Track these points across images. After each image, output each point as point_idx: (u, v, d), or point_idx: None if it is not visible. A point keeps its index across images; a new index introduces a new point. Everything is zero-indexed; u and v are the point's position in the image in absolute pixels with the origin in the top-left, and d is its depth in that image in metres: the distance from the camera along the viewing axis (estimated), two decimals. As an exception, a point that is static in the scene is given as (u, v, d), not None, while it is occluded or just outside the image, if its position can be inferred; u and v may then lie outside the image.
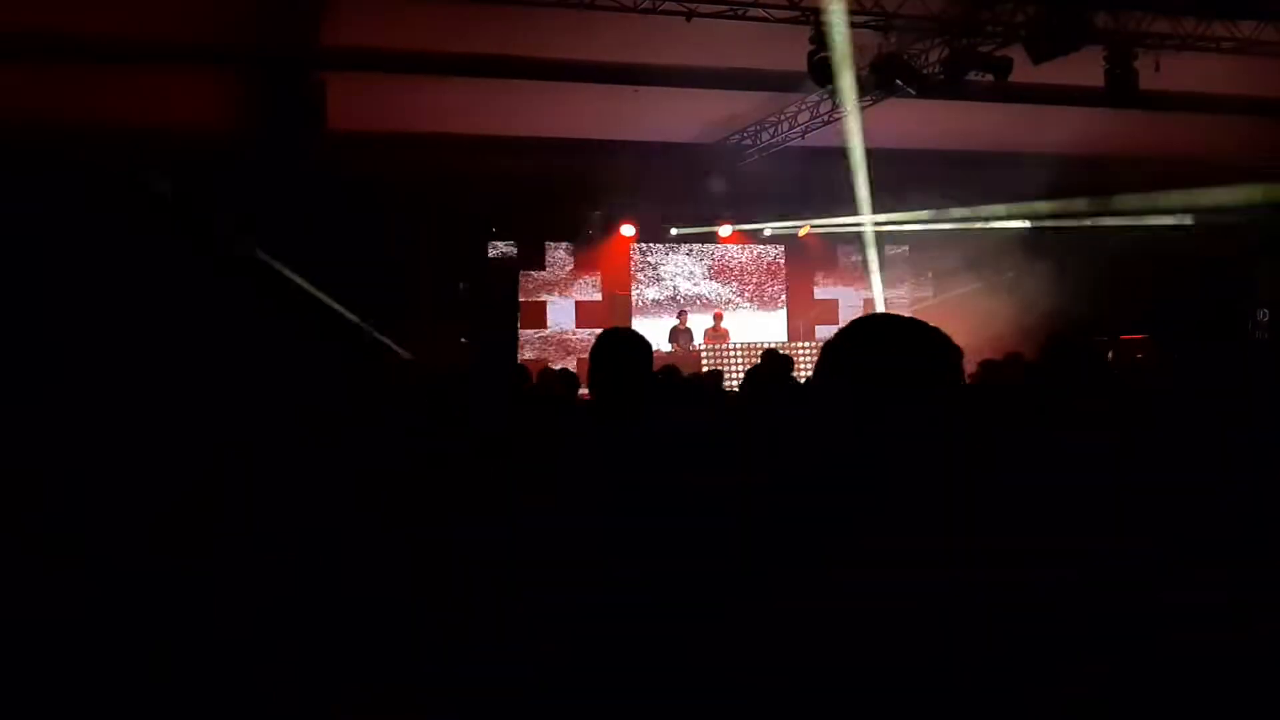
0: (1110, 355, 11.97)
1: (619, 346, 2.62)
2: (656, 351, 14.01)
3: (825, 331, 16.06)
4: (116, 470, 2.53)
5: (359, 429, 2.96)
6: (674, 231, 15.69)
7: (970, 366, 9.12)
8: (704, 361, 13.39)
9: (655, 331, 15.59)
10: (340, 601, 1.94)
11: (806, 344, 13.96)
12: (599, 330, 3.25)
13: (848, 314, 16.83)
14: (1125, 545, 1.20)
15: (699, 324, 15.25)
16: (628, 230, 15.48)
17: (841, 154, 12.37)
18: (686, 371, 8.59)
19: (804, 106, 12.77)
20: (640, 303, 16.05)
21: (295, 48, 9.97)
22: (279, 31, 9.57)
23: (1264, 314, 14.97)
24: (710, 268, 16.38)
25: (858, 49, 9.86)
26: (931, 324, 1.34)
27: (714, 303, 16.10)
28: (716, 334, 14.92)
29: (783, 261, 16.63)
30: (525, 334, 15.10)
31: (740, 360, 13.07)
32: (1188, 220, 14.72)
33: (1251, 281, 14.76)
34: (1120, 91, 10.21)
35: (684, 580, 1.40)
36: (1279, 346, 13.06)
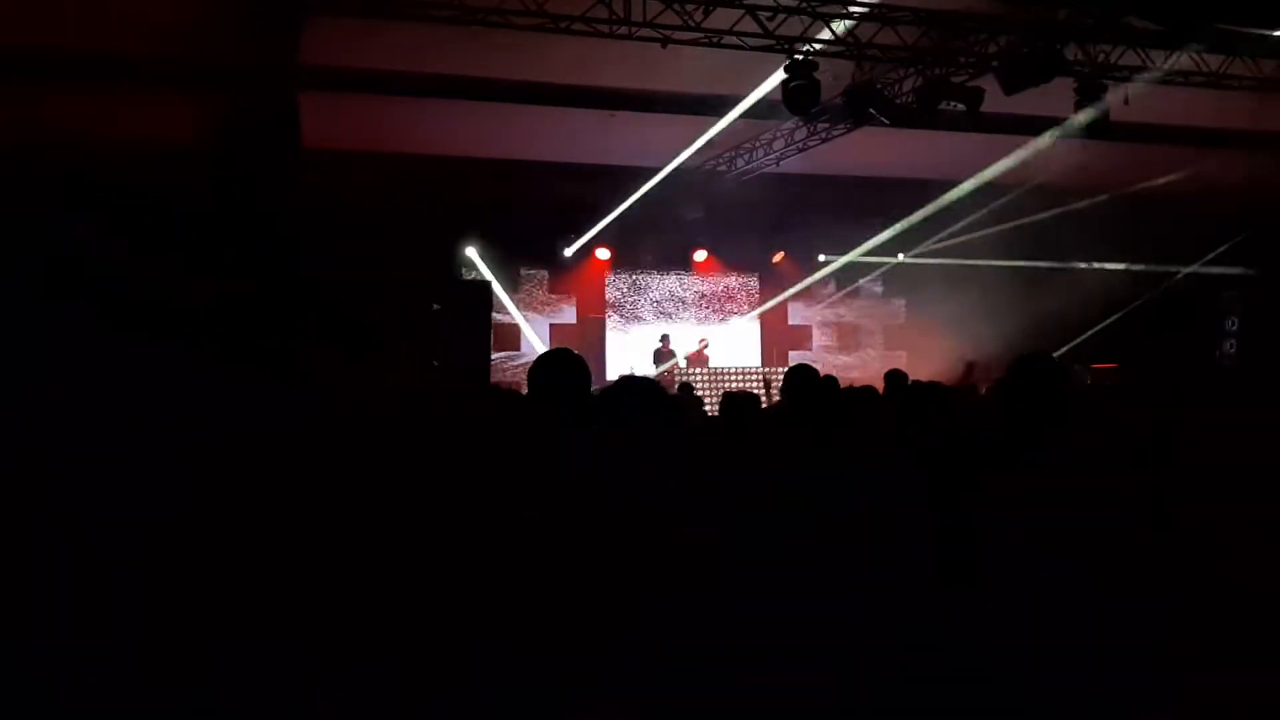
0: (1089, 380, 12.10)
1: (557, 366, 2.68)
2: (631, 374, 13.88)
3: (798, 356, 16.10)
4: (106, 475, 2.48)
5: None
6: (649, 255, 15.74)
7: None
8: (678, 382, 13.38)
9: (629, 354, 15.60)
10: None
11: (781, 369, 13.97)
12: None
13: (821, 338, 16.88)
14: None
15: (682, 348, 15.35)
16: (603, 254, 15.52)
17: (815, 180, 12.45)
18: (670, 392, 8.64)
19: (779, 134, 12.85)
20: (614, 326, 16.03)
21: (271, 66, 9.91)
22: (255, 50, 9.52)
23: (1232, 322, 14.88)
24: (684, 292, 16.39)
25: (832, 78, 9.94)
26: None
27: (688, 327, 16.11)
28: (699, 358, 15.17)
29: (757, 286, 16.65)
30: (497, 356, 15.05)
31: (708, 384, 13.08)
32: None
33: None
34: (1092, 123, 10.35)
35: None
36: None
